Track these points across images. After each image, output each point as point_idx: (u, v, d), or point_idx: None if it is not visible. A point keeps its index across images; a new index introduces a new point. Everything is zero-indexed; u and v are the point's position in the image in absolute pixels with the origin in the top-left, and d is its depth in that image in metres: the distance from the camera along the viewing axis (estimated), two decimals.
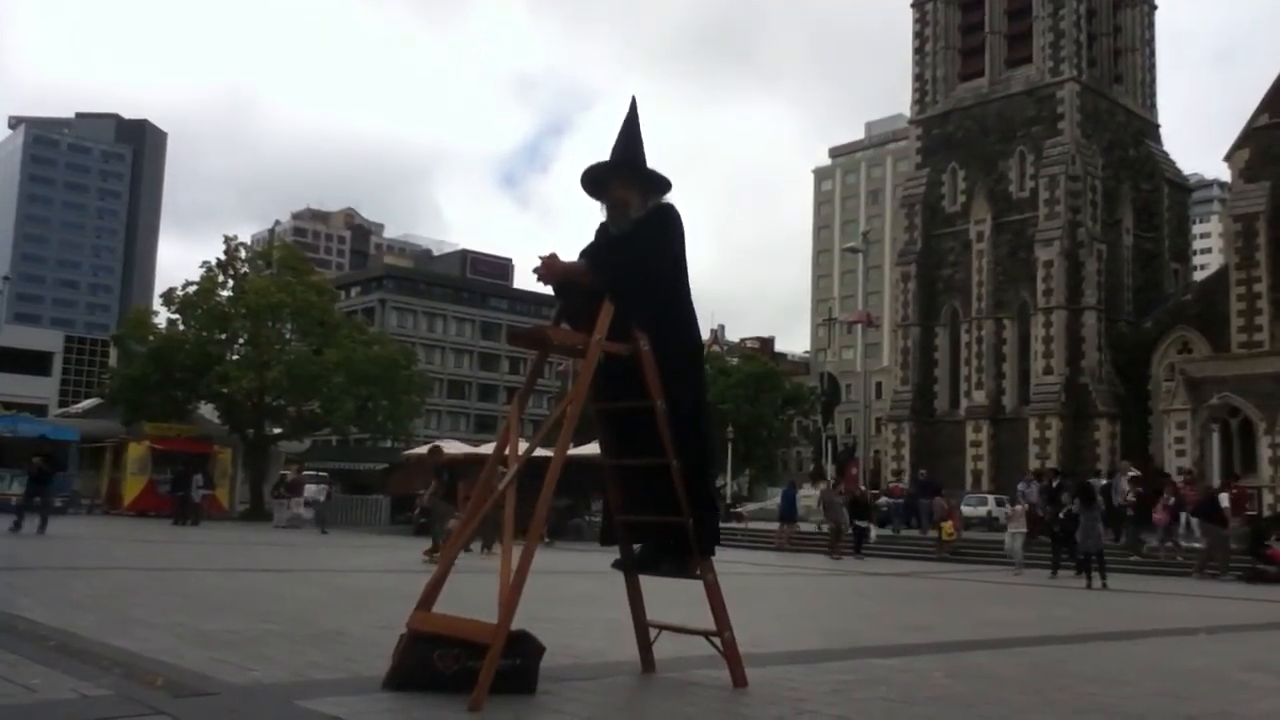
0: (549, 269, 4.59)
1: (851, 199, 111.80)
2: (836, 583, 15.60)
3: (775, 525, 28.49)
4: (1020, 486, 25.71)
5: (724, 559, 5.75)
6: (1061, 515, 19.06)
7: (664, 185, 4.81)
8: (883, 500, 33.68)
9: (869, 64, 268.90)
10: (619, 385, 4.69)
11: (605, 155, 4.84)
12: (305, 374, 34.72)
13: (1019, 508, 20.31)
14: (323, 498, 29.27)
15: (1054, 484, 25.35)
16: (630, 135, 4.81)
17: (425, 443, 38.67)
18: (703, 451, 4.80)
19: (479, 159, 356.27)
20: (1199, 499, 21.18)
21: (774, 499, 41.85)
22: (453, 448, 31.66)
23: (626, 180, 4.77)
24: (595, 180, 4.83)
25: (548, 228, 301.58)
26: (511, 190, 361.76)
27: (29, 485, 18.95)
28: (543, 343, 4.67)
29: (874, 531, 26.07)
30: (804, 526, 29.73)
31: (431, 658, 4.14)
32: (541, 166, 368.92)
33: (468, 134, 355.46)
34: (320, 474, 37.47)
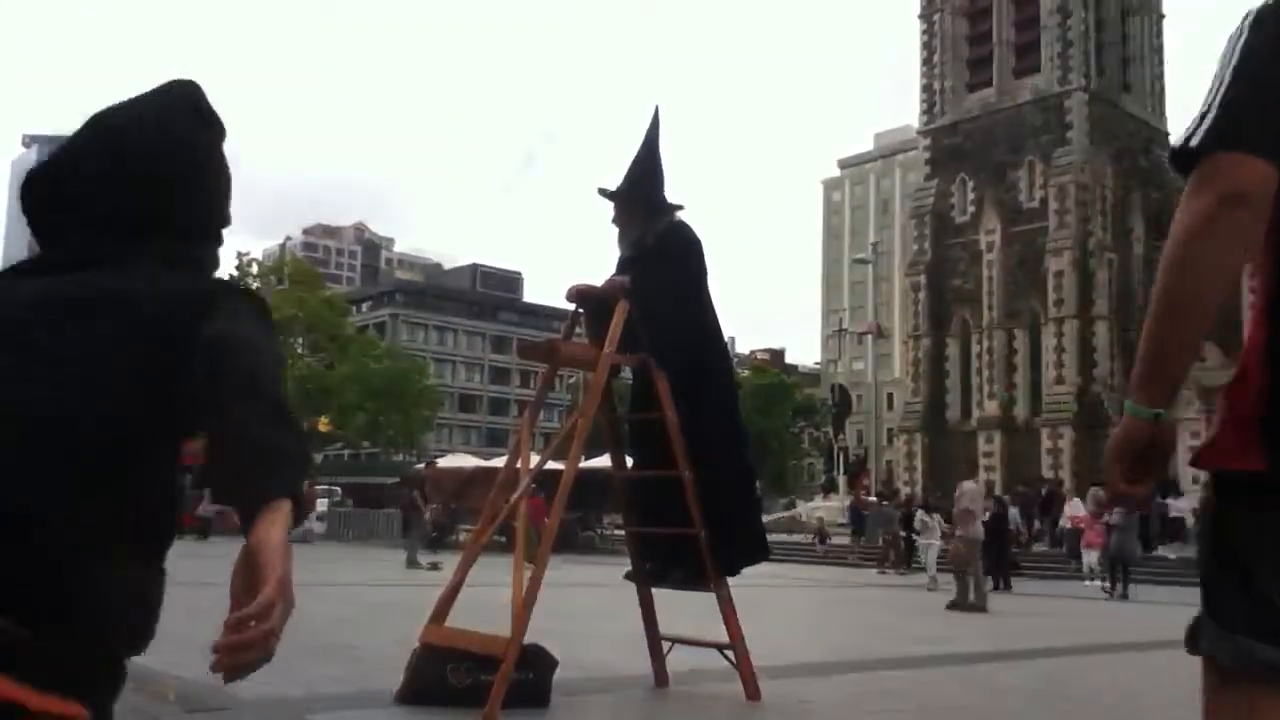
0: (578, 293, 4.67)
1: (860, 210, 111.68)
2: (847, 594, 15.54)
3: (785, 536, 28.29)
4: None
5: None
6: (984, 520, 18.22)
7: (666, 209, 4.80)
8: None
9: (877, 75, 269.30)
10: (649, 399, 4.71)
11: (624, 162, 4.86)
12: (317, 388, 34.84)
13: (934, 517, 18.81)
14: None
15: (1044, 493, 24.98)
16: (644, 155, 4.81)
17: (437, 456, 38.76)
18: (734, 464, 4.78)
19: (486, 166, 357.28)
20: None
21: (780, 510, 41.74)
22: (462, 461, 31.69)
23: (623, 206, 4.79)
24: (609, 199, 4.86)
25: (554, 233, 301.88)
26: (520, 198, 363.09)
27: None
28: (553, 356, 4.69)
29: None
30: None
31: (444, 672, 4.14)
32: (541, 175, 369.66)
33: (475, 139, 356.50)
34: (333, 488, 37.50)
